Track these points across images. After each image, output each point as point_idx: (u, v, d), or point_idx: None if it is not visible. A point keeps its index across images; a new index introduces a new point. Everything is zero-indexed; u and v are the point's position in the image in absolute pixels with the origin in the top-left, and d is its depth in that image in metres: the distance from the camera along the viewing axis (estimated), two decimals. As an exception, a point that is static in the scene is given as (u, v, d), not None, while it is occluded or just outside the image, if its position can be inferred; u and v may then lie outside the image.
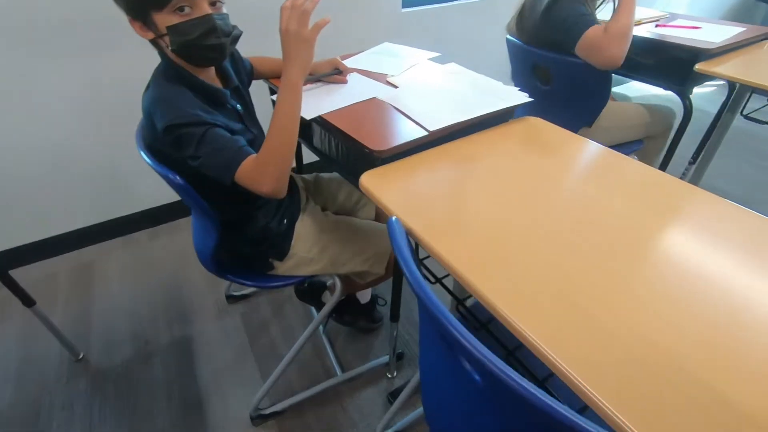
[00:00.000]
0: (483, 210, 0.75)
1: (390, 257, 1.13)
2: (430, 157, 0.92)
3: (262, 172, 0.80)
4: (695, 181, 1.89)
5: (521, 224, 0.71)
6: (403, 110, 1.03)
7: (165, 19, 0.76)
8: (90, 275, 1.81)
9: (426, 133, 0.93)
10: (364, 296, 1.44)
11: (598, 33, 1.23)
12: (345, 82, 1.21)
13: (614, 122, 1.48)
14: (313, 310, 1.59)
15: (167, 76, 0.83)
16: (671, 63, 1.48)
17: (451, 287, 0.91)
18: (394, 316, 1.22)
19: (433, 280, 0.81)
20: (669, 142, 1.61)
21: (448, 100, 1.05)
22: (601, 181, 0.82)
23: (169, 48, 0.79)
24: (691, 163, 1.83)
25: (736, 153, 2.47)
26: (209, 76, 0.91)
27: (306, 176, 1.31)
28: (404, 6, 2.19)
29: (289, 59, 0.82)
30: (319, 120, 1.03)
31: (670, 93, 1.60)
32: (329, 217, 1.16)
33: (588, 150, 0.93)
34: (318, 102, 1.09)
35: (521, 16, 1.42)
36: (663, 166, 1.67)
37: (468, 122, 0.97)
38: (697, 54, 1.40)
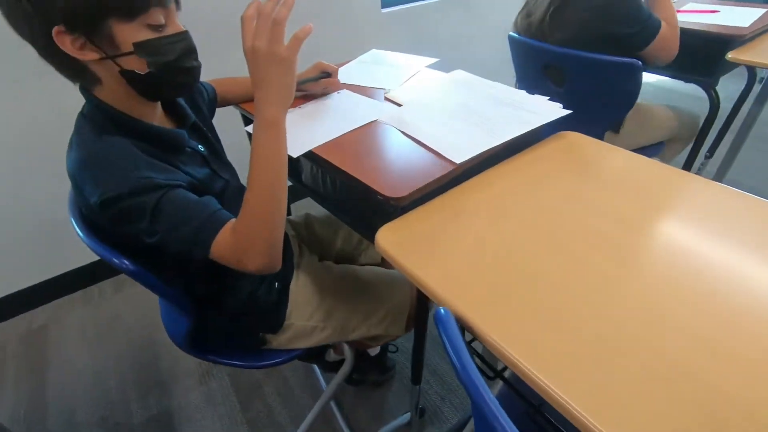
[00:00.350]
0: (550, 276, 0.55)
1: (409, 313, 0.93)
2: (460, 198, 0.71)
3: (246, 247, 0.58)
4: (719, 177, 1.75)
5: (607, 293, 0.52)
6: (415, 136, 0.82)
7: (131, 34, 0.55)
8: (44, 342, 1.53)
9: (451, 167, 0.73)
10: (373, 348, 1.23)
11: (667, 31, 1.15)
12: (339, 86, 1.01)
13: (640, 126, 1.31)
14: (316, 367, 1.37)
15: (95, 125, 0.60)
16: (695, 53, 1.31)
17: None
18: (416, 378, 1.02)
19: (491, 374, 0.61)
20: (692, 143, 1.46)
21: (469, 120, 0.85)
22: (711, 226, 0.63)
23: (144, 71, 0.59)
24: (707, 157, 1.69)
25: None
26: (155, 114, 0.69)
27: (295, 218, 1.09)
28: (384, 6, 1.98)
29: (262, 88, 0.61)
30: (310, 155, 0.81)
31: (690, 86, 1.45)
32: (330, 271, 0.94)
33: (665, 178, 0.73)
34: (305, 130, 0.87)
35: (529, 11, 1.23)
36: (687, 166, 1.51)
37: (499, 147, 0.77)
38: (727, 41, 1.24)
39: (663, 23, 1.12)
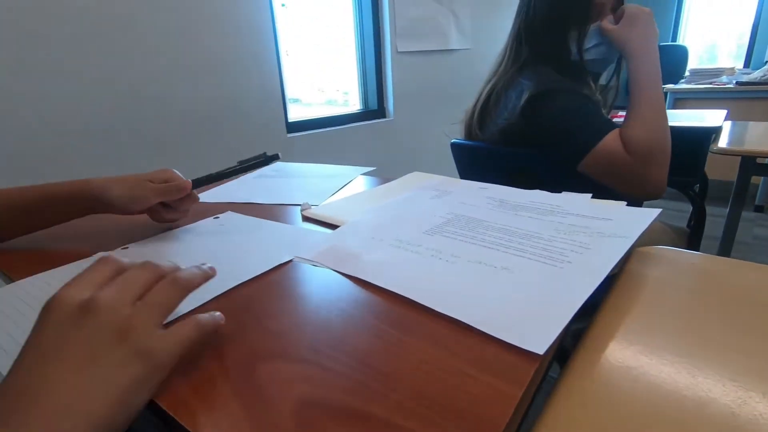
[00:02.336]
0: None
1: None
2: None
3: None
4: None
5: None
6: (403, 292, 0.34)
7: None
8: None
9: (528, 365, 0.25)
10: None
11: (617, 143, 0.71)
12: (195, 199, 0.53)
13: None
14: None
15: None
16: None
17: None
18: None
19: None
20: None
21: (513, 248, 0.41)
22: None
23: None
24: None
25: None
26: None
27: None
28: (289, 132, 1.68)
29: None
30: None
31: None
32: None
33: None
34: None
35: (483, 112, 0.94)
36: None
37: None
38: (704, 134, 1.07)
39: (615, 132, 0.71)
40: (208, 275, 0.31)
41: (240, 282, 0.38)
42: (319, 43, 1.90)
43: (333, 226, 0.51)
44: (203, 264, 0.32)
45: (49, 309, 0.25)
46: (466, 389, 0.24)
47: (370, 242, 0.44)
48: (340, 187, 0.69)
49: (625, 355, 0.27)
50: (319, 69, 1.93)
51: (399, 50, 2.00)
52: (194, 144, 1.40)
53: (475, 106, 0.93)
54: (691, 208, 1.24)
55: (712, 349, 0.27)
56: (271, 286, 0.37)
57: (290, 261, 0.42)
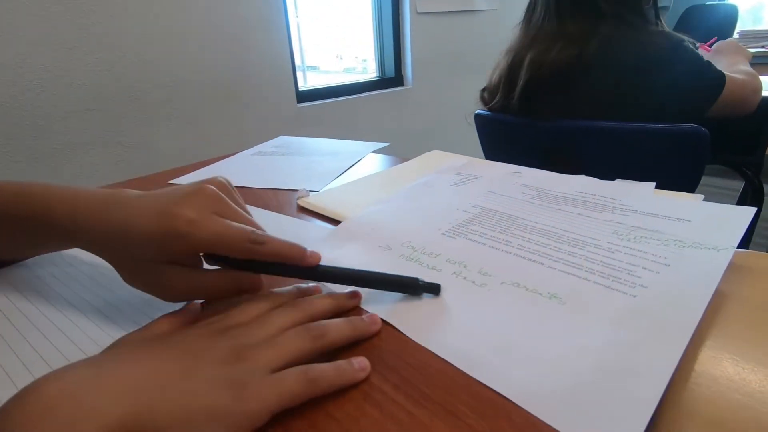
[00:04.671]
0: None
1: None
2: None
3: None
4: None
5: None
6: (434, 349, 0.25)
7: None
8: None
9: None
10: None
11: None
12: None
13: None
14: None
15: None
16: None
17: None
18: None
19: None
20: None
21: (574, 266, 0.31)
22: None
23: None
24: None
25: None
26: None
27: None
28: (300, 102, 1.57)
29: None
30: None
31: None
32: None
33: None
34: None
35: (528, 85, 0.81)
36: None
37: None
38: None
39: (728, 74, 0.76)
40: (358, 329, 0.25)
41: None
42: (336, 5, 1.76)
43: (332, 220, 0.42)
44: (365, 315, 0.26)
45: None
46: None
47: (376, 251, 0.35)
48: (347, 167, 0.59)
49: (725, 365, 0.18)
50: (337, 35, 1.80)
51: (418, 11, 1.83)
52: (197, 112, 1.31)
53: (510, 77, 0.81)
54: (740, 186, 1.11)
55: None
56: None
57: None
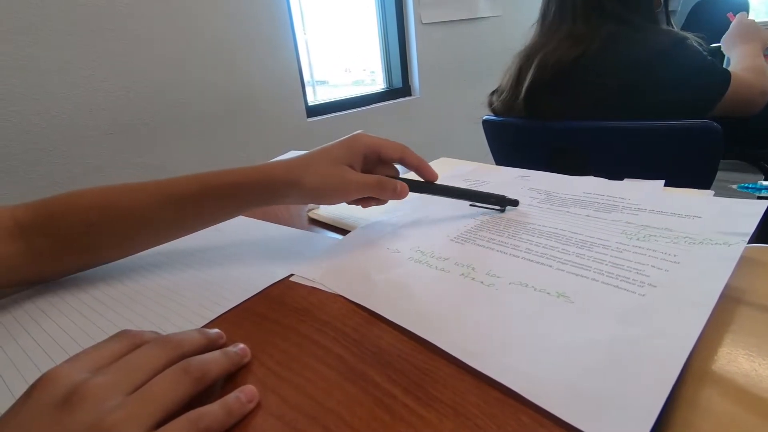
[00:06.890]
0: None
1: None
2: None
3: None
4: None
5: None
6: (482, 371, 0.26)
7: None
8: None
9: None
10: None
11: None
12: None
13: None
14: None
15: None
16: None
17: None
18: None
19: None
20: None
21: (588, 269, 0.31)
22: None
23: None
24: None
25: None
26: None
27: None
28: (309, 116, 1.60)
29: None
30: None
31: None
32: None
33: None
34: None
35: (533, 85, 0.81)
36: None
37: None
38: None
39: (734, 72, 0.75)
40: (234, 362, 0.24)
41: (218, 315, 0.30)
42: (343, 20, 1.80)
43: (343, 231, 0.43)
44: (236, 345, 0.25)
45: (36, 386, 0.20)
46: None
47: (385, 254, 0.35)
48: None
49: (740, 361, 0.18)
50: (344, 49, 1.83)
51: (423, 21, 1.86)
52: (208, 131, 1.34)
53: (519, 78, 0.82)
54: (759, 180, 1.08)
55: None
56: (254, 318, 0.30)
57: (287, 277, 0.34)
